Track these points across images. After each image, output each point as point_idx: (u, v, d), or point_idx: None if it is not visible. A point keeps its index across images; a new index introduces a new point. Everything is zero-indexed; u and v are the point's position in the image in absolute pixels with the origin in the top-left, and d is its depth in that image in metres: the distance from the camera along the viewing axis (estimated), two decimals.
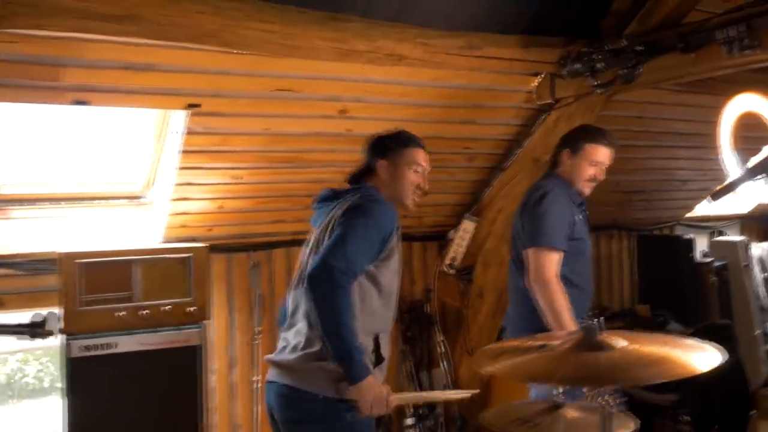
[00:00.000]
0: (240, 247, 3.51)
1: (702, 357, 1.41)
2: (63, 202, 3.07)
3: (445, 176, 3.66)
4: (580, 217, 2.79)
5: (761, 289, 4.55)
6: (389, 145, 2.31)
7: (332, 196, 2.31)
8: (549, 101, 3.25)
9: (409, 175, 2.30)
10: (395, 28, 2.56)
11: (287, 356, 2.15)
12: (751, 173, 2.56)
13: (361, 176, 2.35)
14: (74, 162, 3.16)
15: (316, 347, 2.09)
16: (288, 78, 2.71)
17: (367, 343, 2.13)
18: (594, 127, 2.91)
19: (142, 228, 3.28)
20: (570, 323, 2.59)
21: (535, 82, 3.22)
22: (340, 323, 2.01)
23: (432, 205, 3.86)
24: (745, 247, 4.55)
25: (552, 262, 2.63)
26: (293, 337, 2.19)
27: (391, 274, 2.21)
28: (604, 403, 1.46)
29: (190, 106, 2.60)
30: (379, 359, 2.16)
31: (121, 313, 2.77)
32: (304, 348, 2.12)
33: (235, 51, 2.42)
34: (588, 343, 1.45)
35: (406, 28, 2.58)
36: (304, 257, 2.28)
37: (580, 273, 2.76)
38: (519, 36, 2.84)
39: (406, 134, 2.36)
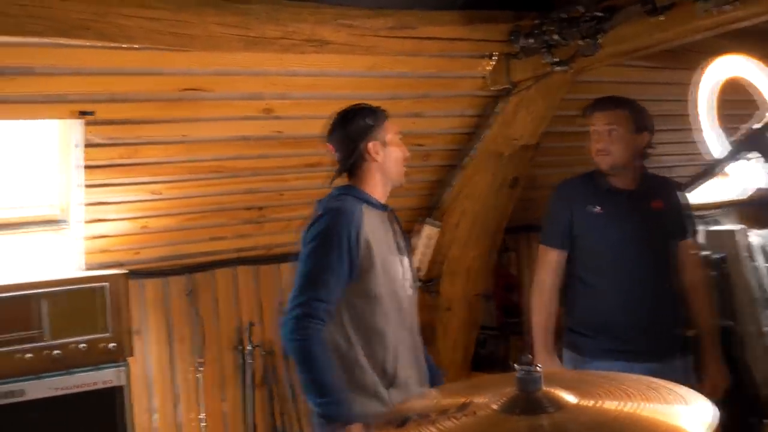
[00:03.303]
0: (176, 270, 3.16)
1: (685, 412, 1.00)
2: None
3: None
4: (597, 208, 2.40)
5: (766, 281, 4.17)
6: (369, 123, 2.03)
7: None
8: (505, 86, 2.89)
9: (398, 149, 2.08)
10: (308, 9, 2.21)
11: None
12: (734, 152, 2.21)
13: (350, 171, 2.08)
14: None
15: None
16: (195, 75, 2.36)
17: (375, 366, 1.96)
18: None
19: (61, 256, 2.94)
20: (537, 340, 2.39)
21: (488, 65, 2.86)
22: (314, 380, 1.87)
23: None
24: (745, 235, 4.17)
25: (544, 261, 2.48)
26: None
27: (384, 280, 1.97)
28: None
29: (82, 113, 2.26)
30: (390, 381, 1.97)
31: (27, 355, 2.45)
32: None
33: (123, 45, 2.08)
34: (525, 401, 1.02)
35: (322, 8, 2.24)
36: None
37: (600, 273, 2.41)
38: (458, 12, 2.49)
39: (371, 107, 2.08)
